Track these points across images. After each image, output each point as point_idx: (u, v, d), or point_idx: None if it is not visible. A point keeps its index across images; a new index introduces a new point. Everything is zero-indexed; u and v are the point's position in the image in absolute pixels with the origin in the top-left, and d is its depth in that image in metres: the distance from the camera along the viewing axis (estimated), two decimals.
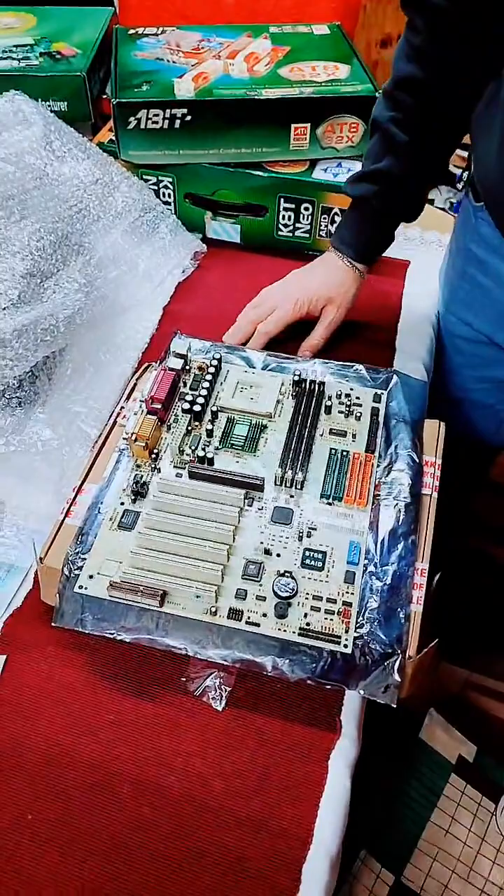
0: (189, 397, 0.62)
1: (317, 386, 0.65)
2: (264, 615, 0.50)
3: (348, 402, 0.64)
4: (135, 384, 0.66)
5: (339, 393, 0.64)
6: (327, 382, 0.65)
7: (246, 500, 0.56)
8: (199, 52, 0.90)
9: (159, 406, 0.61)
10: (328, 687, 0.49)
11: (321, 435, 0.62)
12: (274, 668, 0.49)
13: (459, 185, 2.00)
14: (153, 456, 0.59)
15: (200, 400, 0.62)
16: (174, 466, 0.59)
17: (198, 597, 0.50)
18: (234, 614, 0.50)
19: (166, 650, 0.51)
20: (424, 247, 0.91)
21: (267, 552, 0.53)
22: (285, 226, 0.86)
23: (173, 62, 0.87)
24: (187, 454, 0.60)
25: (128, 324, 0.75)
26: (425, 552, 0.54)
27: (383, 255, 0.74)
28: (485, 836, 0.64)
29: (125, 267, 0.77)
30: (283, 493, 0.57)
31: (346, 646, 0.49)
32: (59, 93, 0.89)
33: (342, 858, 0.50)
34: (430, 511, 0.56)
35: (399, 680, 0.48)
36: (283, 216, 0.85)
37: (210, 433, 0.61)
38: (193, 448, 0.60)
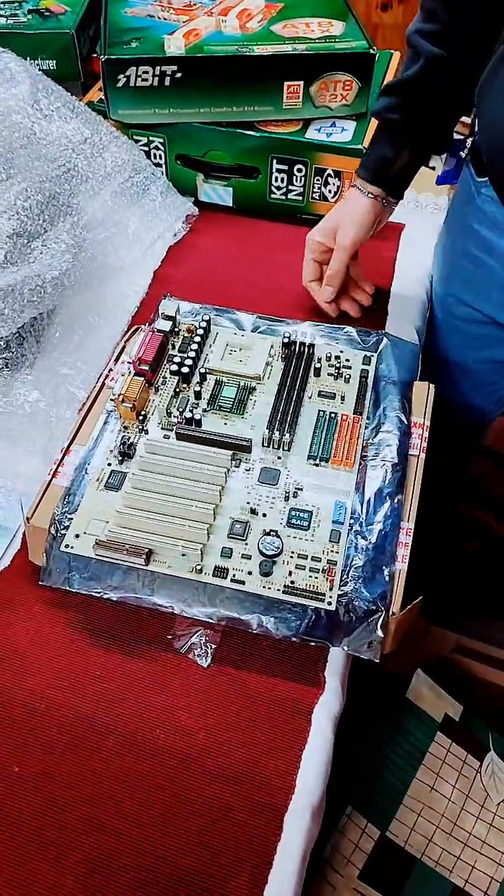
0: (177, 359, 0.62)
1: (306, 348, 0.64)
2: (249, 573, 0.50)
3: (338, 365, 0.63)
4: (123, 346, 0.66)
5: (328, 355, 0.64)
6: (317, 345, 0.65)
7: (233, 462, 0.56)
8: (191, 8, 0.87)
9: (147, 367, 0.60)
10: (312, 644, 0.50)
11: (310, 397, 0.61)
12: (259, 626, 0.50)
13: (463, 153, 1.96)
14: (140, 417, 0.59)
15: (188, 362, 0.62)
16: (161, 428, 0.59)
17: (183, 555, 0.51)
18: (220, 572, 0.50)
19: (153, 608, 0.51)
20: (419, 210, 0.89)
21: (253, 512, 0.53)
22: (278, 188, 0.84)
23: (164, 19, 0.85)
24: (175, 416, 0.59)
25: (117, 287, 0.75)
26: (411, 512, 0.54)
27: None
28: (469, 793, 0.65)
29: (114, 229, 0.76)
30: (270, 454, 0.57)
31: (329, 603, 0.49)
32: (47, 51, 0.87)
33: (329, 813, 0.51)
34: (418, 472, 0.56)
35: (382, 636, 0.48)
36: (276, 178, 0.83)
37: (198, 395, 0.61)
38: (181, 410, 0.60)
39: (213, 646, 0.51)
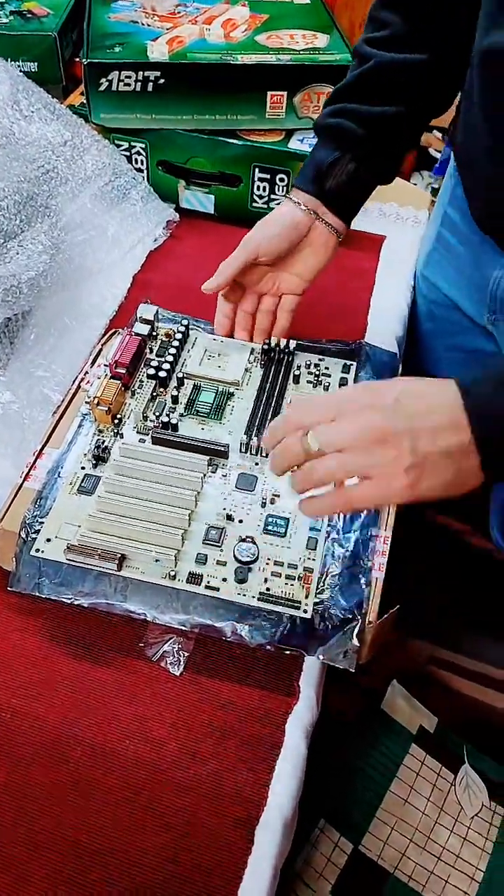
0: (155, 363, 0.61)
1: (286, 356, 0.64)
2: (224, 580, 0.49)
3: (317, 372, 0.63)
4: (100, 350, 0.65)
5: (307, 363, 0.64)
6: (296, 352, 0.64)
7: (210, 467, 0.55)
8: (175, 16, 0.88)
9: (124, 371, 0.60)
10: (287, 652, 0.49)
11: (289, 403, 0.61)
12: (233, 633, 0.49)
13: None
14: (116, 421, 0.58)
15: (166, 366, 0.61)
16: (137, 432, 0.58)
17: (157, 561, 0.50)
18: (194, 578, 0.49)
19: (125, 615, 0.50)
20: (400, 223, 0.90)
21: (229, 518, 0.53)
22: (260, 197, 0.84)
23: (148, 25, 0.85)
24: (151, 420, 0.59)
25: (95, 290, 0.74)
26: (388, 520, 0.53)
27: (358, 228, 0.72)
28: (443, 806, 0.64)
29: (94, 232, 0.75)
30: (247, 460, 0.56)
31: (305, 611, 0.48)
32: (29, 53, 0.87)
33: (301, 827, 0.50)
34: None
35: (358, 645, 0.47)
36: (258, 187, 0.83)
37: (175, 399, 0.60)
38: (158, 414, 0.59)
39: (186, 654, 0.50)
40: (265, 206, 0.85)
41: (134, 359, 0.61)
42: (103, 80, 0.77)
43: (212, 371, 0.62)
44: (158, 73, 0.77)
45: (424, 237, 0.82)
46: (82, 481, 0.54)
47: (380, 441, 0.39)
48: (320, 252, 0.63)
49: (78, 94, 0.87)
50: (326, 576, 0.50)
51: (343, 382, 0.63)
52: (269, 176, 0.82)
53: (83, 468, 0.55)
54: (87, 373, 0.63)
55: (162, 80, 0.77)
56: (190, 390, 0.61)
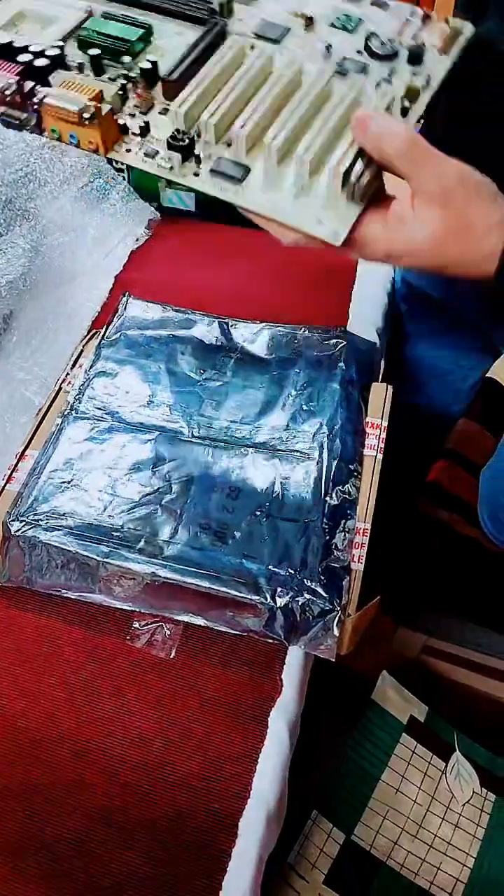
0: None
1: None
2: None
3: None
4: (81, 351, 0.65)
5: None
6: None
7: None
8: None
9: None
10: (270, 641, 0.49)
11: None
12: (216, 621, 0.49)
13: None
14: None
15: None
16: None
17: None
18: None
19: (109, 608, 0.51)
20: None
21: None
22: None
23: None
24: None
25: (77, 291, 0.74)
26: (368, 512, 0.54)
27: None
28: (434, 795, 0.65)
29: (74, 233, 0.76)
30: None
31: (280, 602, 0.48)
32: None
33: (294, 819, 0.50)
34: (374, 472, 0.56)
35: (337, 635, 0.48)
36: None
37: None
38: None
39: (176, 639, 0.50)
40: None
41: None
42: None
43: None
44: None
45: None
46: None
47: None
48: None
49: None
50: (307, 567, 0.50)
51: None
52: None
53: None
54: (68, 374, 0.63)
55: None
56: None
